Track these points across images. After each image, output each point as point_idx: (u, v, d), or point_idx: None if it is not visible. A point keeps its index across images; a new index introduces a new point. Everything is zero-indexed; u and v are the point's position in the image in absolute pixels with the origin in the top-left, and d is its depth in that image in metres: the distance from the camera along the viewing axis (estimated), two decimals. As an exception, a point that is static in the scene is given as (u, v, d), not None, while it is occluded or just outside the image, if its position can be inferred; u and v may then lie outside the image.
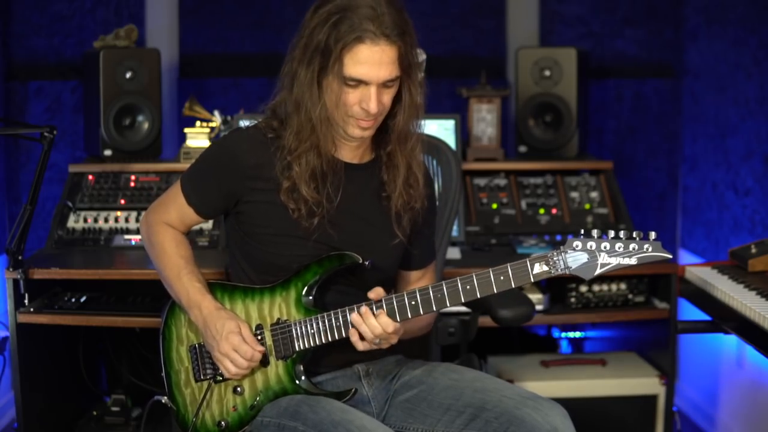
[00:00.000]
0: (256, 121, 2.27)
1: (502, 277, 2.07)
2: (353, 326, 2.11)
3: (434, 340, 2.73)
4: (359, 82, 2.09)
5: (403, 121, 2.19)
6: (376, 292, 2.13)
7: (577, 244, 2.00)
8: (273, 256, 2.22)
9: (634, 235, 1.98)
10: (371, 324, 2.09)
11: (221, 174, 2.23)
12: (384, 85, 2.11)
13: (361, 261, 2.18)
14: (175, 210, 2.31)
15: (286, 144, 2.17)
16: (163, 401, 2.30)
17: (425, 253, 2.39)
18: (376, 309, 2.11)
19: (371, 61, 2.07)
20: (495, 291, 2.07)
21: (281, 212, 2.18)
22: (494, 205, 3.59)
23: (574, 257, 2.00)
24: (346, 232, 2.22)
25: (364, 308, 2.10)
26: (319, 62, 2.10)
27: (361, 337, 2.12)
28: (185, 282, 2.23)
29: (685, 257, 4.13)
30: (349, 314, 2.13)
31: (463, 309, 2.71)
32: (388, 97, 2.13)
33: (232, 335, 2.14)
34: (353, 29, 2.06)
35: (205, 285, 2.24)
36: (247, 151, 2.21)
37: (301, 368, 2.19)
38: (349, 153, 2.24)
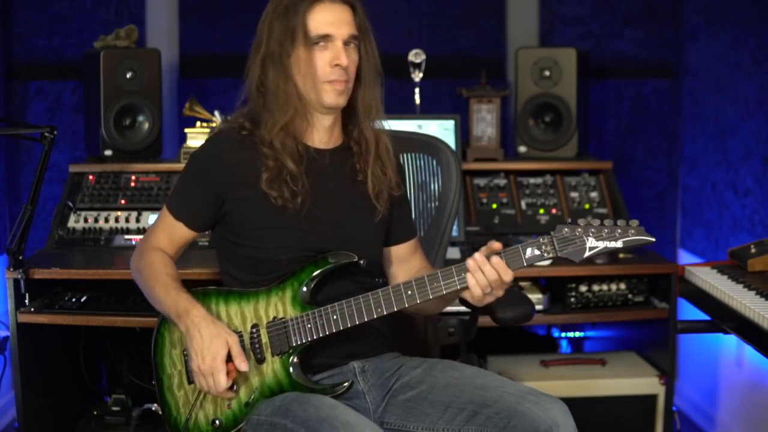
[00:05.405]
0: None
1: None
2: (469, 272, 2.15)
3: (434, 340, 2.73)
4: (326, 39, 2.22)
5: (366, 88, 2.30)
6: (494, 245, 2.15)
7: (566, 230, 2.13)
8: (262, 252, 2.24)
9: (618, 223, 2.13)
10: (487, 270, 2.13)
11: (204, 178, 2.27)
12: (347, 43, 2.24)
13: (356, 260, 2.22)
14: (162, 230, 2.33)
15: (263, 135, 2.24)
16: (153, 409, 2.30)
17: (403, 227, 2.45)
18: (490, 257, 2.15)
19: (333, 18, 2.23)
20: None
21: (265, 204, 2.23)
22: (494, 205, 3.59)
23: (564, 241, 2.12)
24: (330, 218, 2.26)
25: (479, 255, 2.15)
26: (286, 41, 2.22)
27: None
28: (173, 295, 2.21)
29: (685, 257, 4.13)
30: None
31: (463, 309, 2.71)
32: (352, 58, 2.25)
33: (217, 358, 2.12)
34: None
35: (193, 297, 2.22)
36: (226, 150, 2.27)
37: (296, 360, 2.20)
38: (320, 138, 2.31)
